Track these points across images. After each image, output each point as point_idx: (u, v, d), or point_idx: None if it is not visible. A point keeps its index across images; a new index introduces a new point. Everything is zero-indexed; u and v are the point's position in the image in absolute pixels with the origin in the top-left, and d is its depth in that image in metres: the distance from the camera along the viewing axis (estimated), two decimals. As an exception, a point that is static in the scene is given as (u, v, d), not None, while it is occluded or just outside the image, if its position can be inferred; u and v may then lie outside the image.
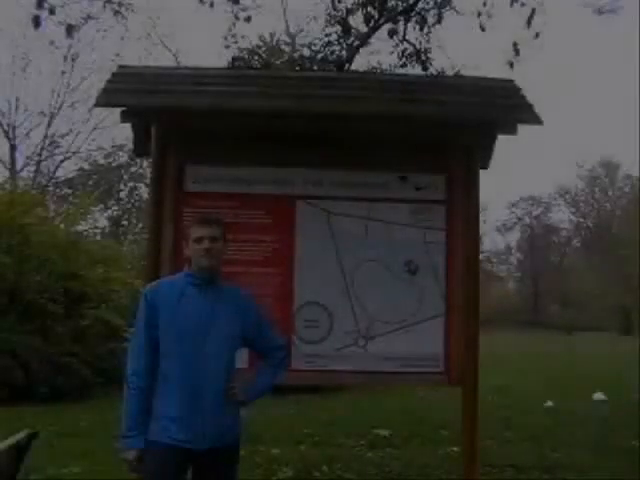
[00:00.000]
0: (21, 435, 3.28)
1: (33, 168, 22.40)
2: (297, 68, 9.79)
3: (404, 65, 9.62)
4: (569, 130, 61.34)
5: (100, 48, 21.65)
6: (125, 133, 23.78)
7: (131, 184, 25.97)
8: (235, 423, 2.57)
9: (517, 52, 6.20)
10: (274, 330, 2.75)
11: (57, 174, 23.04)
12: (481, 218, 4.15)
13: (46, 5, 4.63)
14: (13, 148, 21.86)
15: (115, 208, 26.51)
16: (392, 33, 8.87)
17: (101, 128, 22.51)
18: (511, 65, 6.22)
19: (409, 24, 9.03)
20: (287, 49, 13.17)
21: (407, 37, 9.26)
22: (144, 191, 24.14)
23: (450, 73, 9.81)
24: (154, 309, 2.48)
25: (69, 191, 23.04)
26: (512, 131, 3.57)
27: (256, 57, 11.43)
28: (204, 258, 2.50)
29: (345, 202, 3.72)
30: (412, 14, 8.87)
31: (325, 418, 7.94)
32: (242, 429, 2.62)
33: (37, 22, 4.67)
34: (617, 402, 9.35)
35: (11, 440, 3.24)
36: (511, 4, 6.26)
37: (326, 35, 10.68)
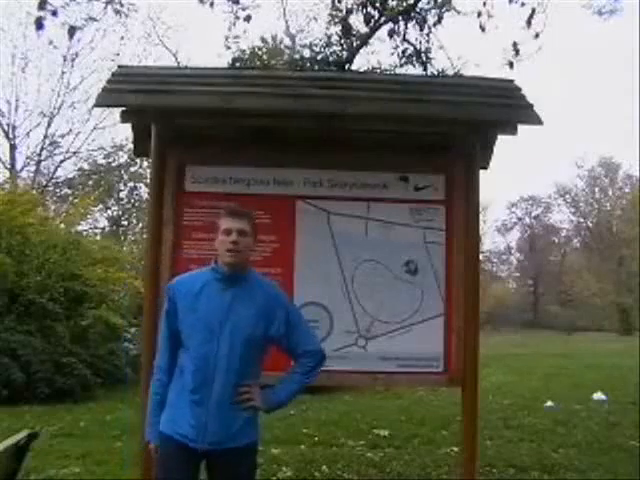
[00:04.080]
0: (21, 435, 3.27)
1: (33, 168, 22.38)
2: (297, 68, 9.79)
3: (404, 65, 9.64)
4: (569, 130, 61.44)
5: (100, 48, 21.64)
6: (125, 133, 23.86)
7: (131, 184, 25.96)
8: (248, 426, 2.47)
9: (517, 52, 6.20)
10: (308, 334, 2.61)
11: (57, 174, 23.02)
12: (481, 218, 4.15)
13: (48, 7, 4.62)
14: (13, 148, 21.86)
15: (115, 208, 26.52)
16: (392, 33, 8.90)
17: (101, 128, 22.50)
18: (511, 65, 6.23)
19: (409, 24, 9.05)
20: (287, 49, 13.18)
21: (407, 37, 9.28)
22: (144, 191, 24.15)
23: (450, 73, 9.82)
24: (174, 302, 2.47)
25: (69, 191, 23.03)
26: (512, 131, 3.56)
27: (256, 57, 11.44)
28: (229, 253, 2.42)
29: (345, 202, 3.72)
30: (412, 14, 8.88)
31: (325, 418, 7.94)
32: (259, 435, 2.54)
33: (39, 24, 4.64)
34: (617, 402, 9.35)
35: (11, 440, 3.23)
36: (510, 2, 6.27)
37: (327, 35, 10.71)
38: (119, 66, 4.13)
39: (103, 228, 25.05)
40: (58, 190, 23.39)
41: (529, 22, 6.14)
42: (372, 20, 8.65)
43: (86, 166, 23.97)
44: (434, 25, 9.27)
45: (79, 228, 15.70)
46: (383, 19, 8.79)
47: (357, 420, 7.78)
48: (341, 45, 10.33)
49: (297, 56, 11.84)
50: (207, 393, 2.39)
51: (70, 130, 22.10)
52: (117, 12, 8.06)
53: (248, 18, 7.99)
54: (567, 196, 47.87)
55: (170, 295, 2.50)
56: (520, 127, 3.54)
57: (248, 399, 2.44)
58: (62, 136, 22.05)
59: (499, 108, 3.63)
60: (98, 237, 20.71)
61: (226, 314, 2.42)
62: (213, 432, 2.39)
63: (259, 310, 2.46)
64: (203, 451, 2.40)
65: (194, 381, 2.40)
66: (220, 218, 2.51)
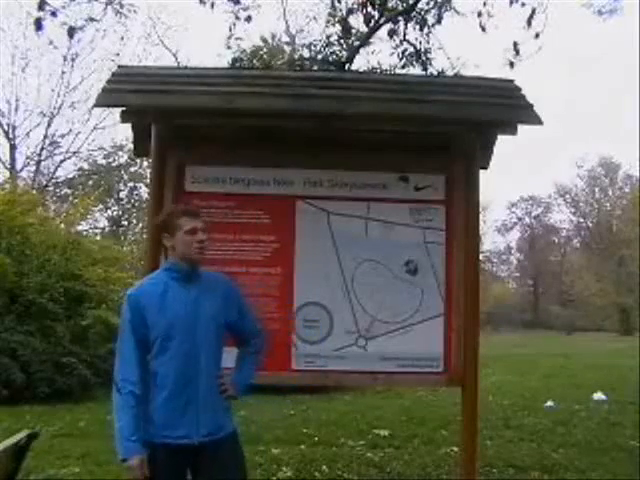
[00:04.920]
0: (21, 435, 3.27)
1: (33, 168, 22.41)
2: (297, 68, 9.78)
3: (404, 65, 9.64)
4: (569, 130, 61.47)
5: (100, 48, 21.71)
6: (125, 133, 23.89)
7: (131, 184, 25.99)
8: (227, 415, 2.58)
9: (517, 52, 6.21)
10: (254, 317, 2.77)
11: (57, 174, 23.06)
12: (481, 218, 4.15)
13: (47, 7, 4.62)
14: (13, 148, 21.86)
15: (115, 208, 26.55)
16: (392, 33, 8.89)
17: (101, 128, 22.56)
18: (511, 65, 6.24)
19: (409, 24, 9.05)
20: (287, 49, 13.17)
21: (407, 37, 9.28)
22: (144, 191, 24.18)
23: (450, 73, 9.82)
24: (139, 310, 2.45)
25: (69, 191, 23.06)
26: (512, 131, 3.56)
27: (256, 57, 11.44)
28: (198, 251, 2.52)
29: (345, 202, 3.72)
30: (412, 14, 8.88)
31: (325, 418, 7.94)
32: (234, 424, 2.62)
33: (39, 25, 4.65)
34: (617, 402, 9.35)
35: (11, 440, 3.23)
36: (510, 4, 6.27)
37: (326, 35, 10.71)
38: (119, 66, 4.13)
39: (103, 228, 25.09)
40: (58, 190, 23.41)
41: (529, 22, 6.15)
42: (372, 20, 8.64)
43: (86, 166, 24.01)
44: (434, 25, 9.27)
45: (79, 228, 15.70)
46: (383, 19, 8.78)
47: (357, 420, 7.77)
48: (341, 45, 10.33)
49: (297, 56, 11.84)
50: (194, 388, 2.43)
51: (70, 130, 22.17)
52: (117, 13, 8.07)
53: (248, 18, 8.00)
54: (567, 196, 47.91)
55: (134, 304, 2.46)
56: (520, 127, 3.54)
57: (225, 390, 2.54)
58: (62, 136, 22.12)
59: (499, 108, 3.63)
60: (98, 237, 20.72)
61: (195, 309, 2.48)
62: (205, 424, 2.44)
63: (219, 300, 2.56)
64: (198, 444, 2.42)
65: (178, 380, 2.42)
66: (177, 218, 2.54)
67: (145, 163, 21.57)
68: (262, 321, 2.90)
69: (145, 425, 2.41)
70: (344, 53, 10.03)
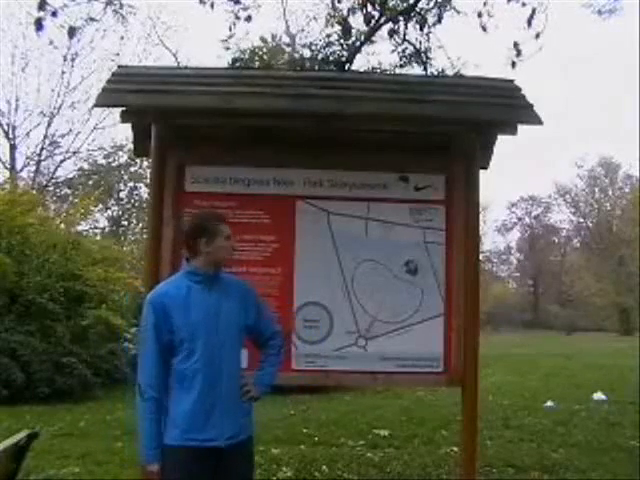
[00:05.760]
0: (21, 435, 3.27)
1: (33, 168, 22.42)
2: (297, 68, 9.79)
3: (404, 65, 9.65)
4: (569, 130, 61.48)
5: (100, 48, 21.73)
6: (125, 133, 23.89)
7: (131, 184, 25.99)
8: (248, 417, 2.58)
9: (518, 52, 6.21)
10: (271, 318, 2.80)
11: (57, 174, 23.08)
12: (481, 218, 4.14)
13: (48, 8, 4.63)
14: (13, 148, 21.87)
15: (115, 208, 26.55)
16: (392, 33, 8.89)
17: (101, 128, 22.57)
18: (513, 65, 6.24)
19: (409, 24, 9.05)
20: (287, 49, 13.19)
21: (407, 37, 9.29)
22: (144, 191, 24.19)
23: (450, 73, 9.83)
24: (163, 313, 2.44)
25: (69, 191, 23.06)
26: (512, 131, 3.56)
27: (256, 57, 11.45)
28: (231, 256, 2.63)
29: (345, 202, 3.72)
30: (412, 14, 8.88)
31: (325, 418, 7.94)
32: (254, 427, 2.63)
33: (39, 25, 4.65)
34: (617, 402, 9.35)
35: (11, 440, 3.23)
36: (508, 2, 6.28)
37: (327, 35, 10.72)
38: (119, 66, 4.13)
39: (103, 228, 25.09)
40: (58, 190, 23.43)
41: (529, 22, 6.15)
42: (372, 20, 8.63)
43: (86, 166, 24.02)
44: (434, 25, 9.28)
45: (79, 228, 15.71)
46: (383, 19, 8.79)
47: (357, 420, 7.78)
48: (341, 45, 10.33)
49: (297, 56, 11.86)
50: (218, 390, 2.44)
51: (70, 130, 22.20)
52: (116, 13, 8.08)
53: (249, 18, 7.99)
54: (567, 196, 47.90)
55: (158, 307, 2.45)
56: (520, 127, 3.54)
57: (248, 391, 2.55)
58: (62, 136, 22.15)
59: (499, 108, 3.63)
60: (98, 237, 20.72)
61: (217, 312, 2.49)
62: (229, 427, 2.45)
63: (238, 302, 2.57)
64: (224, 447, 2.42)
65: (205, 382, 2.42)
66: (219, 224, 2.56)
67: (145, 163, 21.57)
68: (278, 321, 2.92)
69: (169, 428, 2.42)
70: (344, 53, 10.04)
